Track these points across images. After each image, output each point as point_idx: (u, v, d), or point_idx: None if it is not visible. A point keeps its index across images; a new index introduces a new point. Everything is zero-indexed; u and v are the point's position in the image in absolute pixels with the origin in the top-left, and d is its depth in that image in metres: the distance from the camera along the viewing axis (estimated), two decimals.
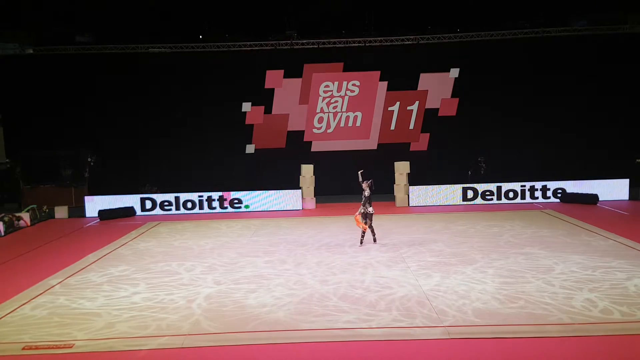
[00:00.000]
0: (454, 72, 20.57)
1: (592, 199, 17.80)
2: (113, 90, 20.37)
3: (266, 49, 20.59)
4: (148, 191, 19.43)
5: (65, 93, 20.29)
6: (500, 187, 18.60)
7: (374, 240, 12.89)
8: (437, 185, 18.66)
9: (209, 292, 9.51)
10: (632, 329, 7.44)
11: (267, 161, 20.78)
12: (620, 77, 20.00)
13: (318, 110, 20.95)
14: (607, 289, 9.00)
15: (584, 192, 18.18)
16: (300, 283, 9.89)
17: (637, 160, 19.65)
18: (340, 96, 20.84)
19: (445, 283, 9.58)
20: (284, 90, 20.71)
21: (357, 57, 20.56)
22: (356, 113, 20.98)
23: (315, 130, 21.11)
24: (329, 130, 21.10)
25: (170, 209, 18.60)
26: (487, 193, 18.63)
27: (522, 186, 18.58)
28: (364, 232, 12.78)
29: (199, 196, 18.69)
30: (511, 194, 18.57)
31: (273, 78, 20.63)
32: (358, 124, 21.06)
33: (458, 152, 20.56)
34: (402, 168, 18.78)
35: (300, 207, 18.66)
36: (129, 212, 18.25)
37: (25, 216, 16.83)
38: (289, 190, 18.78)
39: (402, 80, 20.62)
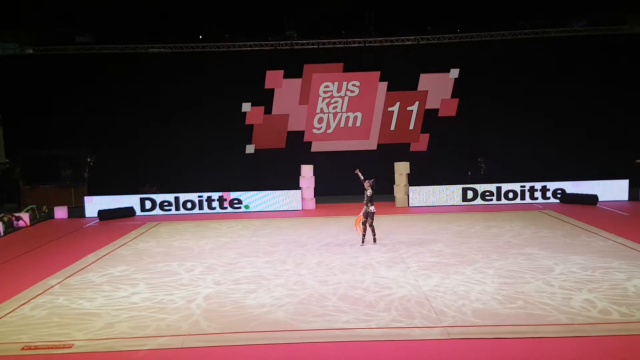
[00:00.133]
0: (454, 73, 20.57)
1: (591, 199, 17.80)
2: (113, 91, 20.37)
3: (266, 49, 20.59)
4: (148, 191, 19.44)
5: (65, 93, 20.29)
6: (500, 187, 18.61)
7: (374, 240, 12.90)
8: (437, 186, 18.67)
9: (208, 292, 9.51)
10: (631, 329, 7.44)
11: (267, 161, 20.78)
12: (620, 77, 20.01)
13: (318, 110, 20.96)
14: (606, 289, 9.00)
15: (583, 192, 18.18)
16: (300, 283, 9.89)
17: (637, 161, 19.67)
18: (340, 96, 20.85)
19: (445, 283, 9.58)
20: (284, 90, 20.72)
21: (357, 57, 20.57)
22: (356, 113, 20.98)
23: (315, 131, 21.11)
24: (328, 131, 21.11)
25: (170, 209, 18.60)
26: (487, 193, 18.64)
27: (521, 187, 18.58)
28: (364, 232, 12.81)
29: (199, 196, 18.69)
30: (511, 195, 18.57)
31: (273, 78, 20.63)
32: (358, 124, 21.06)
33: (458, 153, 20.57)
34: (402, 168, 18.79)
35: (300, 208, 18.66)
36: (128, 212, 18.25)
37: (25, 216, 16.84)
38: (289, 191, 18.78)
39: (402, 80, 20.63)
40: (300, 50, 20.54)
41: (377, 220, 13.16)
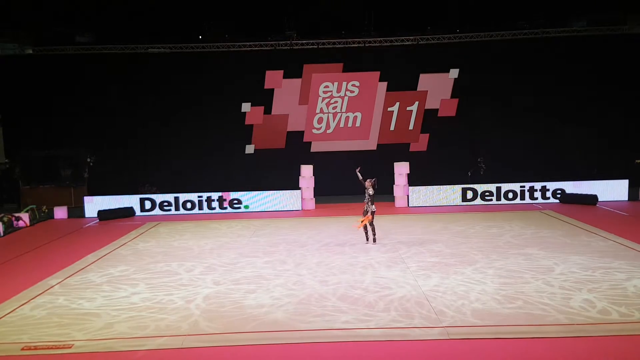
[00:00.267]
0: (454, 73, 20.57)
1: (591, 199, 17.80)
2: (113, 91, 20.34)
3: (266, 49, 20.59)
4: (147, 191, 19.44)
5: (65, 93, 20.28)
6: (500, 187, 18.61)
7: (374, 240, 12.91)
8: (436, 186, 18.67)
9: (208, 292, 9.51)
10: (630, 329, 7.44)
11: (267, 161, 20.77)
12: (620, 78, 20.01)
13: (318, 110, 20.96)
14: (606, 289, 9.01)
15: (583, 192, 18.18)
16: (300, 283, 9.89)
17: (637, 161, 19.67)
18: (339, 96, 20.85)
19: (445, 283, 9.58)
20: (284, 90, 20.72)
21: (356, 57, 20.57)
22: (356, 113, 20.98)
23: (314, 131, 21.11)
24: (328, 131, 21.11)
25: (169, 210, 18.60)
26: (487, 193, 18.64)
27: (521, 187, 18.59)
28: (366, 230, 12.85)
29: (199, 196, 18.69)
30: (511, 195, 18.58)
31: (273, 78, 20.63)
32: (358, 124, 21.06)
33: (458, 153, 20.57)
34: (401, 168, 18.79)
35: (299, 208, 18.66)
36: (128, 212, 18.25)
37: (25, 216, 16.84)
38: (289, 191, 18.78)
39: (401, 80, 20.63)
40: (300, 51, 20.54)
41: (377, 220, 13.17)
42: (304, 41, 20.42)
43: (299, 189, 18.84)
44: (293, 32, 20.12)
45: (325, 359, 6.95)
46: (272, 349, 7.19)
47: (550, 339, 7.22)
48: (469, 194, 18.64)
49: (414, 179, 18.84)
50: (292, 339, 7.45)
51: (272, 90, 20.73)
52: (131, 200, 18.60)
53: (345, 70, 20.66)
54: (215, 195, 18.71)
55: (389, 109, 20.94)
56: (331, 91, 20.80)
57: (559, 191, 18.46)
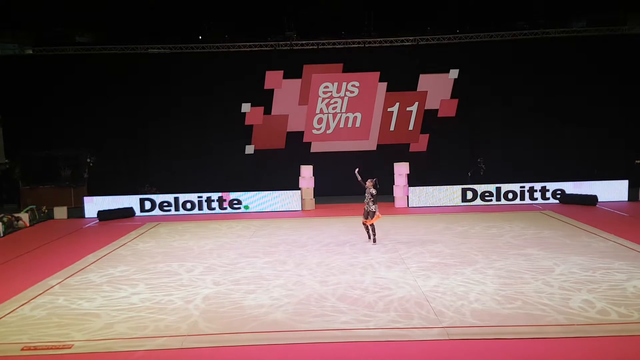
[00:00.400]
0: (454, 73, 20.57)
1: (591, 200, 17.81)
2: (113, 91, 20.36)
3: (266, 49, 20.60)
4: (147, 192, 19.43)
5: (65, 93, 20.29)
6: (500, 188, 18.61)
7: (374, 240, 12.92)
8: (436, 186, 18.67)
9: (207, 293, 9.51)
10: (629, 330, 7.44)
11: (267, 162, 20.78)
12: (620, 78, 20.02)
13: (317, 111, 20.96)
14: (605, 290, 9.01)
15: (583, 193, 18.19)
16: (300, 284, 9.90)
17: (637, 161, 19.67)
18: (339, 97, 20.85)
19: (445, 284, 9.59)
20: (284, 91, 20.72)
21: (356, 58, 20.57)
22: (356, 114, 20.99)
23: (314, 131, 21.11)
24: (328, 131, 21.11)
25: (169, 210, 18.60)
26: (487, 194, 18.64)
27: (521, 187, 18.59)
28: (367, 229, 12.86)
29: (198, 197, 18.69)
30: (510, 195, 18.58)
31: (272, 79, 20.64)
32: (357, 124, 21.06)
33: (457, 153, 20.57)
34: (401, 169, 18.79)
35: (299, 208, 18.66)
36: (128, 212, 18.25)
37: (25, 217, 16.84)
38: (289, 191, 18.79)
39: (401, 81, 20.63)
40: (300, 51, 20.54)
41: (377, 221, 13.15)
42: (304, 41, 20.42)
43: (299, 189, 18.84)
44: (293, 33, 20.12)
45: (325, 359, 6.95)
46: (271, 349, 7.19)
47: (550, 339, 7.22)
48: (469, 195, 18.64)
49: (414, 180, 18.84)
50: (292, 340, 7.45)
51: (272, 90, 20.74)
52: (131, 201, 18.61)
53: (345, 70, 20.67)
54: (215, 196, 18.72)
55: (389, 109, 20.94)
56: (331, 91, 20.80)
57: (558, 191, 18.46)
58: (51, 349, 7.37)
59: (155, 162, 20.67)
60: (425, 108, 20.85)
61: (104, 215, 17.82)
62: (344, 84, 20.73)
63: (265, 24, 19.89)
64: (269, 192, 18.79)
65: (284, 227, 15.53)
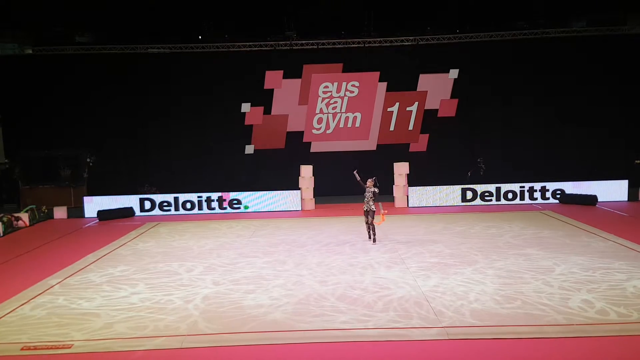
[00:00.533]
0: (454, 73, 20.58)
1: (591, 200, 17.81)
2: (112, 91, 20.38)
3: (265, 49, 20.60)
4: (147, 192, 19.44)
5: (65, 93, 20.31)
6: (500, 188, 18.61)
7: (374, 240, 12.93)
8: (436, 186, 18.67)
9: (207, 292, 9.51)
10: (629, 330, 7.44)
11: (267, 162, 20.79)
12: (620, 78, 20.02)
13: (317, 110, 20.96)
14: (605, 290, 9.01)
15: (583, 193, 18.19)
16: (299, 284, 9.90)
17: (636, 161, 19.67)
18: (339, 97, 20.86)
19: (444, 284, 9.58)
20: (284, 90, 20.73)
21: (356, 57, 20.57)
22: (355, 114, 20.99)
23: (314, 131, 21.12)
24: (328, 131, 21.12)
25: (169, 210, 18.61)
26: (486, 194, 18.64)
27: (521, 187, 18.59)
28: (368, 229, 12.89)
29: (198, 197, 18.70)
30: (510, 195, 18.58)
31: (272, 79, 20.64)
32: (357, 124, 21.07)
33: (457, 153, 20.58)
34: (401, 169, 18.79)
35: (299, 208, 18.67)
36: (128, 212, 18.25)
37: (24, 216, 16.85)
38: (289, 191, 18.79)
39: (401, 81, 20.64)
40: (300, 51, 20.54)
41: (375, 220, 13.14)
42: (304, 41, 20.42)
43: (299, 189, 18.85)
44: (293, 33, 20.12)
45: (324, 359, 6.95)
46: (270, 349, 7.19)
47: (549, 339, 7.22)
48: (469, 194, 18.64)
49: (414, 180, 18.84)
50: (291, 339, 7.45)
51: (272, 90, 20.75)
52: (131, 201, 18.61)
53: (345, 70, 20.68)
54: (215, 196, 18.72)
55: (389, 109, 20.95)
56: (331, 91, 20.81)
57: (558, 191, 18.46)
58: (51, 348, 7.37)
59: (155, 162, 20.68)
60: (425, 108, 20.86)
61: (103, 215, 17.83)
62: (344, 83, 20.74)
63: (265, 23, 19.89)
64: (268, 192, 18.79)
65: (284, 227, 15.53)
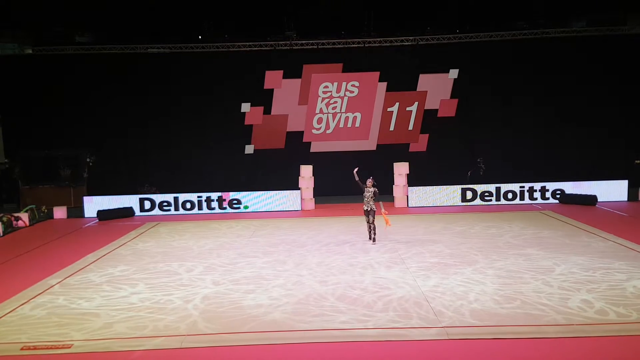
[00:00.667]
0: (453, 73, 20.57)
1: (591, 200, 17.81)
2: (112, 91, 20.37)
3: (265, 49, 20.59)
4: (147, 191, 19.44)
5: (65, 93, 20.29)
6: (499, 188, 18.61)
7: (374, 240, 12.93)
8: (436, 186, 18.67)
9: (207, 292, 9.51)
10: (628, 330, 7.44)
11: (267, 162, 20.78)
12: (620, 78, 20.02)
13: (317, 110, 20.96)
14: (604, 290, 9.01)
15: (582, 193, 18.18)
16: (299, 284, 9.90)
17: (637, 161, 19.67)
18: (339, 97, 20.85)
19: (444, 284, 9.59)
20: (283, 90, 20.72)
21: (356, 57, 20.56)
22: (355, 114, 20.99)
23: (314, 131, 21.12)
24: (328, 131, 21.11)
25: (169, 210, 18.61)
26: (486, 194, 18.64)
27: (521, 187, 18.59)
28: (369, 229, 12.92)
29: (198, 197, 18.70)
30: (510, 195, 18.58)
31: (272, 79, 20.64)
32: (357, 124, 21.07)
33: (457, 153, 20.57)
34: (401, 169, 18.79)
35: (299, 208, 18.67)
36: (127, 212, 18.25)
37: (24, 216, 16.84)
38: (288, 191, 18.79)
39: (401, 81, 20.63)
40: (300, 51, 20.54)
41: (377, 220, 13.15)
42: (304, 41, 20.42)
43: (299, 189, 18.84)
44: (293, 32, 20.11)
45: (323, 359, 6.95)
46: (270, 349, 7.19)
47: (548, 339, 7.23)
48: (469, 194, 18.64)
49: (414, 179, 18.84)
50: (290, 339, 7.46)
51: (272, 90, 20.74)
52: (131, 200, 18.61)
53: (345, 70, 20.67)
54: (214, 196, 18.72)
55: (389, 109, 20.95)
56: (331, 91, 20.81)
57: (558, 191, 18.46)
58: (50, 348, 7.37)
59: (155, 162, 20.67)
60: (425, 108, 20.86)
61: (103, 215, 17.83)
62: (344, 83, 20.73)
63: (265, 23, 19.88)
64: (268, 192, 18.79)
65: (284, 227, 15.54)
